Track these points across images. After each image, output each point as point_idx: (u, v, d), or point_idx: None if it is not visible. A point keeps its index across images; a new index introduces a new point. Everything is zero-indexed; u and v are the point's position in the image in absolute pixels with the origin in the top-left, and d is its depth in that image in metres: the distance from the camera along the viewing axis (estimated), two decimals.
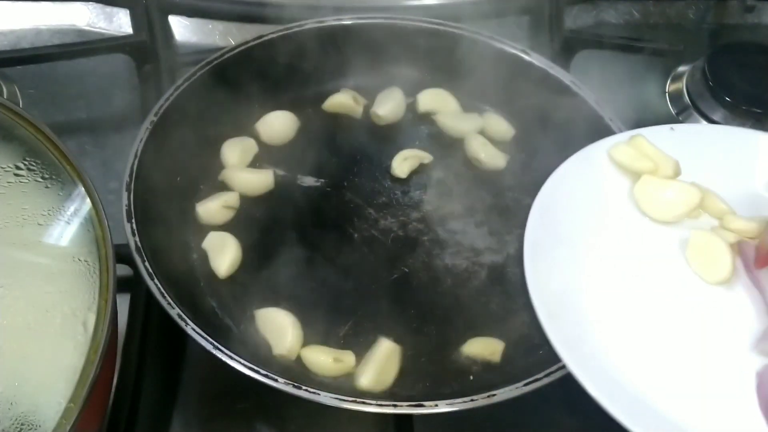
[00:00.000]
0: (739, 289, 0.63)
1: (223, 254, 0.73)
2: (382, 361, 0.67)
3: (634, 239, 0.66)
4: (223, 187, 0.79)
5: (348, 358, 0.67)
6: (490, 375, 0.68)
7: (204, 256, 0.74)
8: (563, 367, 0.61)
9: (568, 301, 0.61)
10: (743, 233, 0.65)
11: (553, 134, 0.82)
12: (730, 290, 0.64)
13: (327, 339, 0.69)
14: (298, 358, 0.68)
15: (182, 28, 0.97)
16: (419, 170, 0.83)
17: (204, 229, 0.75)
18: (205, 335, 0.61)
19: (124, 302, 0.69)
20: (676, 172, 0.68)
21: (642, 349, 0.59)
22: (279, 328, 0.69)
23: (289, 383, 0.59)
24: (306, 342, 0.69)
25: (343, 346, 0.69)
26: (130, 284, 0.70)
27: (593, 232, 0.66)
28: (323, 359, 0.67)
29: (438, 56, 0.88)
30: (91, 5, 0.97)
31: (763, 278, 0.62)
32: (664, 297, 0.63)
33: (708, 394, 0.57)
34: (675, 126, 0.72)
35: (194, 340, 0.61)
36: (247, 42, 0.83)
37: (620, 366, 0.58)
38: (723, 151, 0.70)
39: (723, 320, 0.62)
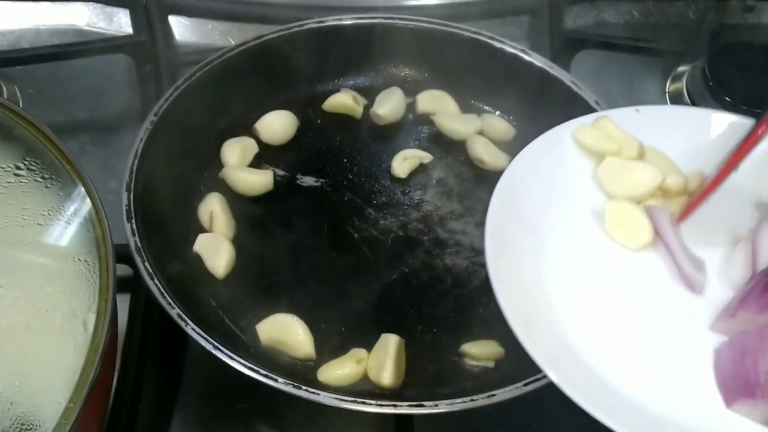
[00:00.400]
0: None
1: (218, 255, 0.73)
2: (395, 355, 0.66)
3: (595, 222, 0.66)
4: (224, 187, 0.79)
5: (363, 354, 0.67)
6: (490, 375, 0.68)
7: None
8: None
9: (529, 284, 0.61)
10: (672, 190, 0.67)
11: None
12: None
13: (327, 339, 0.69)
14: (315, 378, 0.67)
15: (182, 28, 0.97)
16: (419, 170, 0.83)
17: (204, 229, 0.76)
18: (205, 335, 0.61)
19: (124, 302, 0.69)
20: (641, 153, 0.69)
21: (603, 330, 0.60)
22: (289, 332, 0.68)
23: (288, 383, 0.59)
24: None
25: (343, 345, 0.69)
26: (130, 284, 0.70)
27: (556, 213, 0.66)
28: (348, 370, 0.66)
29: (438, 56, 0.88)
30: (91, 5, 0.97)
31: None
32: (625, 278, 0.63)
33: (668, 372, 0.58)
34: (640, 107, 0.72)
35: (194, 340, 0.61)
36: (247, 42, 0.83)
37: (583, 348, 0.58)
38: (688, 132, 0.71)
39: (683, 301, 0.62)
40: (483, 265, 0.75)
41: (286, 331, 0.68)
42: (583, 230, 0.66)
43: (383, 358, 0.66)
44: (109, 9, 0.97)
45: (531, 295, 0.60)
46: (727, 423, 0.55)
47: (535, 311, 0.59)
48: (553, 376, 0.54)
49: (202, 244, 0.73)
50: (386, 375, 0.65)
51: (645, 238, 0.64)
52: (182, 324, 0.62)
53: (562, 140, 0.69)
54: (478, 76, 0.87)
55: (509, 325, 0.56)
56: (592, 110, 0.79)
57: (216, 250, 0.73)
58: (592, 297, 0.62)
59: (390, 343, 0.67)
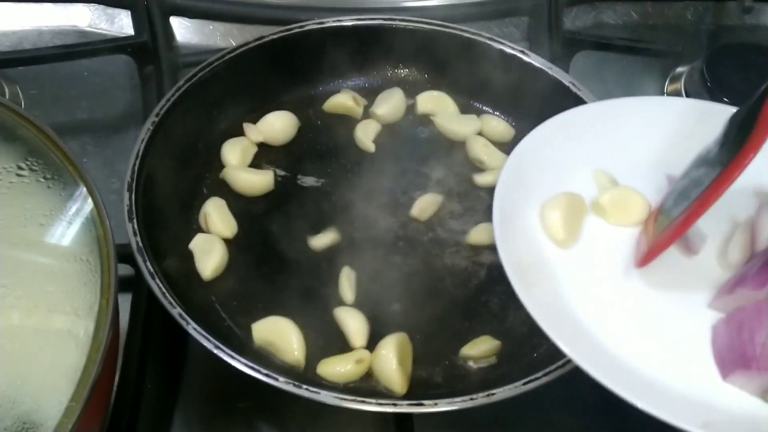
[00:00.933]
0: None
1: (208, 257, 0.72)
2: (400, 362, 0.66)
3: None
4: (225, 187, 0.79)
5: (365, 354, 0.67)
6: (489, 374, 0.68)
7: None
8: (562, 366, 0.61)
9: (536, 261, 0.62)
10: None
11: None
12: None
13: (326, 338, 0.69)
14: (312, 369, 0.67)
15: (183, 30, 0.98)
16: (419, 170, 0.83)
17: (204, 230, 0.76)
18: (207, 335, 0.62)
19: (125, 302, 0.69)
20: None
21: (607, 307, 0.61)
22: (283, 337, 0.68)
23: (289, 382, 0.60)
24: (309, 347, 0.68)
25: (342, 345, 0.69)
26: (132, 284, 0.70)
27: (561, 191, 0.67)
28: (349, 367, 0.66)
29: (438, 57, 0.88)
30: (93, 6, 0.97)
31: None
32: (629, 261, 0.65)
33: (670, 348, 0.59)
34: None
35: (195, 340, 0.61)
36: (247, 43, 0.84)
37: (590, 324, 0.59)
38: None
39: (683, 279, 0.64)
40: (483, 265, 0.76)
41: (279, 335, 0.68)
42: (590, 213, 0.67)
43: (389, 367, 0.66)
44: (110, 10, 0.97)
45: (540, 274, 0.61)
46: (725, 395, 0.56)
47: (546, 290, 0.61)
48: (562, 346, 0.55)
49: (196, 244, 0.74)
50: (396, 384, 0.65)
51: (641, 214, 0.66)
52: (183, 323, 0.62)
53: (571, 124, 0.70)
54: (478, 76, 0.87)
55: (521, 301, 0.57)
56: None
57: (208, 251, 0.73)
58: (598, 277, 0.63)
59: (393, 349, 0.67)
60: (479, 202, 0.81)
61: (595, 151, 0.69)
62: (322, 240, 0.76)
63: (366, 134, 0.84)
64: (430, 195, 0.80)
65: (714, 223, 0.66)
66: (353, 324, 0.69)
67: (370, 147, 0.84)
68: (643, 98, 0.73)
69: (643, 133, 0.71)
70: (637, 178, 0.69)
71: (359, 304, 0.72)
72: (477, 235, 0.77)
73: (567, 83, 0.83)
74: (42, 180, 0.58)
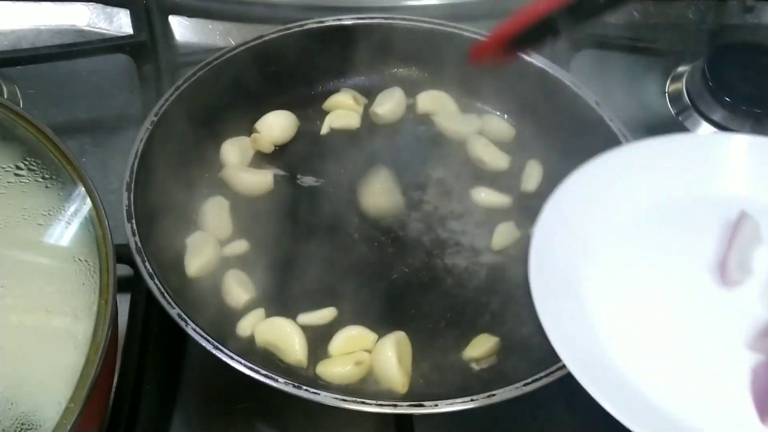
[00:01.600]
0: (738, 290, 0.65)
1: (197, 255, 0.72)
2: (401, 363, 0.66)
3: (642, 244, 0.67)
4: (224, 187, 0.79)
5: (364, 356, 0.67)
6: (490, 375, 0.68)
7: None
8: (563, 367, 0.61)
9: (568, 292, 0.62)
10: None
11: (553, 135, 0.83)
12: (730, 291, 0.65)
13: (326, 339, 0.69)
14: (314, 372, 0.67)
15: (182, 29, 0.98)
16: (419, 170, 0.83)
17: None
18: (206, 335, 0.61)
19: (124, 302, 0.69)
20: None
21: (641, 345, 0.60)
22: (285, 338, 0.68)
23: (289, 383, 0.59)
24: (310, 348, 0.68)
25: (342, 345, 0.69)
26: (131, 284, 0.70)
27: (603, 234, 0.67)
28: (349, 368, 0.66)
29: (438, 56, 0.88)
30: (92, 5, 0.97)
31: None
32: (666, 296, 0.64)
33: (706, 388, 0.58)
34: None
35: (194, 340, 0.61)
36: (247, 42, 0.83)
37: (619, 362, 0.59)
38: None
39: (722, 318, 0.63)
40: (483, 265, 0.75)
41: (281, 336, 0.68)
42: (630, 248, 0.67)
43: (389, 366, 0.66)
44: (109, 9, 0.97)
45: (570, 306, 0.61)
46: None
47: (574, 321, 0.61)
48: (583, 380, 0.55)
49: (190, 241, 0.73)
50: (397, 383, 0.65)
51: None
52: (182, 324, 0.62)
53: (620, 163, 0.71)
54: (478, 76, 0.87)
55: (548, 339, 0.58)
56: (592, 110, 0.79)
57: (198, 249, 0.72)
58: (631, 311, 0.62)
59: (393, 348, 0.66)
60: (480, 202, 0.80)
61: (639, 190, 0.70)
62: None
63: (343, 119, 0.85)
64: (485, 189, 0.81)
65: (758, 260, 0.66)
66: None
67: (354, 123, 0.84)
68: (681, 136, 0.75)
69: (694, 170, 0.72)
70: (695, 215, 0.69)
71: (358, 305, 0.71)
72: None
73: (568, 83, 0.82)
74: (40, 180, 0.58)
